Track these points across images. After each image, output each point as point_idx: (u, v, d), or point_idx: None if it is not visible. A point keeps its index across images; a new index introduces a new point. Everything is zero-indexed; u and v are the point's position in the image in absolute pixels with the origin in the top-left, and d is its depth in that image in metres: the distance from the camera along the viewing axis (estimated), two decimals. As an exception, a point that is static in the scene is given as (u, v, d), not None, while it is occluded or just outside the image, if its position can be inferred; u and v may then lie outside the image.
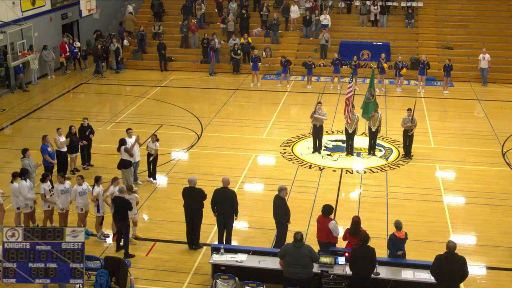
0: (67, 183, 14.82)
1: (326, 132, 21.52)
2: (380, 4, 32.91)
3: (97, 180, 14.74)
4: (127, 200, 14.09)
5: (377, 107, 19.85)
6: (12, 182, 14.84)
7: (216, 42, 30.62)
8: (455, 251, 11.40)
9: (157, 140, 17.96)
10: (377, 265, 12.14)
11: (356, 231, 12.59)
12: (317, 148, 20.27)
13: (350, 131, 19.77)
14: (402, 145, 20.33)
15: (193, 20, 33.06)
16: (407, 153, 19.92)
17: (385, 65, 27.89)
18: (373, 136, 20.05)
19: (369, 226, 14.08)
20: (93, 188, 14.76)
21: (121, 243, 14.27)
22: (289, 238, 13.40)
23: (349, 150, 20.10)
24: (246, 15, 32.61)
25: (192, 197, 14.17)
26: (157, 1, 34.65)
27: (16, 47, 26.26)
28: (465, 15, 33.68)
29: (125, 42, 32.78)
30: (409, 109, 19.68)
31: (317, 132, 20.10)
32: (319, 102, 20.12)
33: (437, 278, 11.49)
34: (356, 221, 12.75)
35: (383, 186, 17.98)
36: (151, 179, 18.17)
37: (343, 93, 26.87)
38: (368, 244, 11.89)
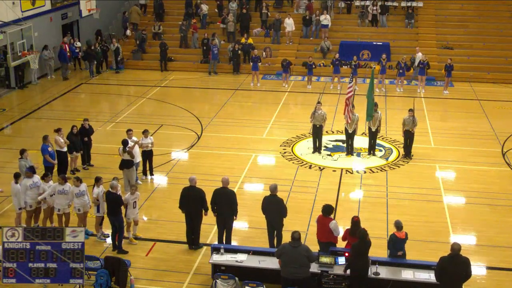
0: (67, 185, 14.79)
1: (326, 132, 21.52)
2: (380, 4, 32.90)
3: (97, 180, 14.73)
4: (119, 195, 14.19)
5: (377, 107, 19.84)
6: (15, 182, 14.84)
7: (217, 42, 30.63)
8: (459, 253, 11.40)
9: (145, 132, 18.09)
10: (377, 265, 12.15)
11: (355, 232, 12.61)
12: (317, 148, 20.27)
13: (350, 131, 19.77)
14: (402, 145, 20.33)
15: (193, 21, 33.07)
16: (407, 153, 19.92)
17: (387, 64, 27.95)
18: (373, 136, 20.04)
19: (369, 226, 14.03)
20: (93, 189, 14.75)
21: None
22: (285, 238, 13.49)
23: (349, 150, 20.10)
24: (247, 14, 32.61)
25: (192, 197, 14.17)
26: (157, 1, 34.69)
27: (16, 47, 26.26)
28: (465, 15, 33.69)
29: (128, 32, 33.05)
30: (410, 110, 19.67)
31: (317, 132, 20.09)
32: (319, 102, 20.13)
33: (441, 279, 11.46)
34: (356, 222, 12.76)
35: (383, 186, 17.98)
36: (149, 177, 18.23)
37: (343, 93, 26.85)
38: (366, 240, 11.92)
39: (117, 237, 14.32)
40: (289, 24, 32.13)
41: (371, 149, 20.16)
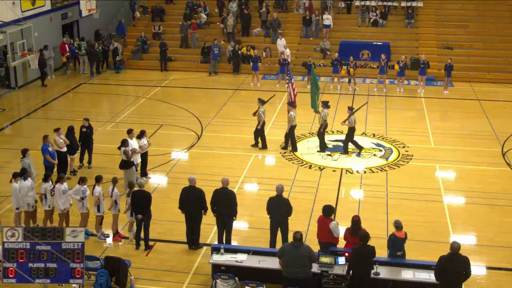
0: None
1: (326, 132, 21.49)
2: (380, 5, 32.89)
3: (98, 180, 14.73)
4: (148, 193, 14.25)
5: (325, 105, 20.02)
6: (11, 181, 14.85)
7: (218, 43, 30.72)
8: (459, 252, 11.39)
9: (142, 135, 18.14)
10: (377, 265, 12.14)
11: (356, 231, 12.60)
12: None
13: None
14: (401, 145, 20.41)
15: (192, 20, 33.07)
16: (346, 150, 20.07)
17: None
18: (320, 135, 20.23)
19: (369, 226, 14.03)
20: (93, 188, 14.75)
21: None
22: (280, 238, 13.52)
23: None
24: (247, 14, 32.54)
25: (192, 197, 14.17)
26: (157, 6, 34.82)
27: (16, 47, 26.24)
28: (465, 15, 33.68)
29: (137, 13, 34.25)
30: (349, 108, 20.03)
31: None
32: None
33: (441, 278, 11.46)
34: (356, 221, 12.77)
35: (383, 186, 17.98)
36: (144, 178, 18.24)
37: (343, 93, 26.95)
38: (368, 243, 11.90)
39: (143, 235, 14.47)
40: (281, 45, 30.39)
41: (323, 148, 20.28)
